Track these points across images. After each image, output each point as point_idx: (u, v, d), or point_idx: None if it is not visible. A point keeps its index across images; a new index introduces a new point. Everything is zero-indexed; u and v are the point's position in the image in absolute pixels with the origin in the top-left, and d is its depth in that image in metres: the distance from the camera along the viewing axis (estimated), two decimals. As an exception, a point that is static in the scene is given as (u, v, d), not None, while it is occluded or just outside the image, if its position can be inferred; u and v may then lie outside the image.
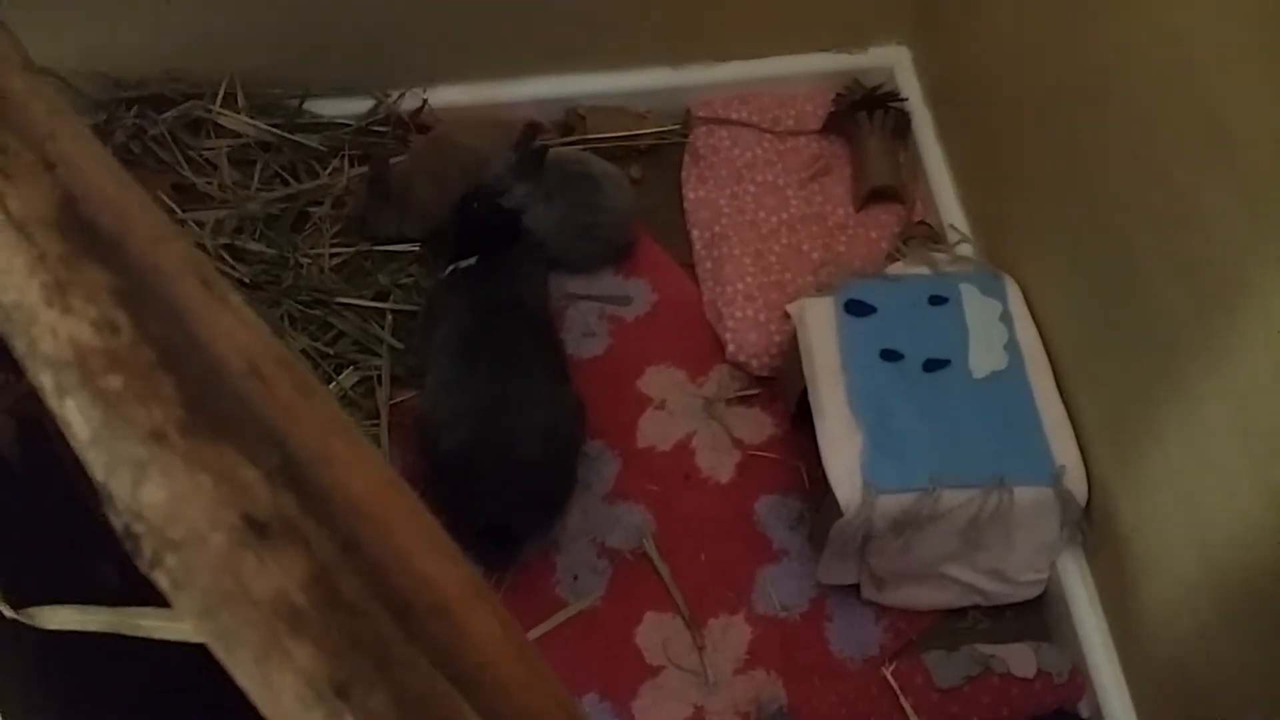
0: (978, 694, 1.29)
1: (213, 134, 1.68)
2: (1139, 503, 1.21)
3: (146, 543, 0.37)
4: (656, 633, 1.37)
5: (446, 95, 1.73)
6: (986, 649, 1.31)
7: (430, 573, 0.40)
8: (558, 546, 1.42)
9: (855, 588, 1.37)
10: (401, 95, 1.72)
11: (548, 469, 1.39)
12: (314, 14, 1.61)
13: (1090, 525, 1.30)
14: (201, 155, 1.67)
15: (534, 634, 1.35)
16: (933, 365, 1.34)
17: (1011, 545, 1.30)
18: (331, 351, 1.53)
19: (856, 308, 1.39)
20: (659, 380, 1.56)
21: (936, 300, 1.40)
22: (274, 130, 1.67)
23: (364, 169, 1.64)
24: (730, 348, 1.55)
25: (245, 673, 0.37)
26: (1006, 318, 1.38)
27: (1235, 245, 0.97)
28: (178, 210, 1.62)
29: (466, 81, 1.73)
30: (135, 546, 0.38)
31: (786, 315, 1.49)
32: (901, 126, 1.72)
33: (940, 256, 1.50)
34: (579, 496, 1.44)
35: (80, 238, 0.43)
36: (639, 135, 1.75)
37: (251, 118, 1.67)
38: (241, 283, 1.56)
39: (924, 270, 1.47)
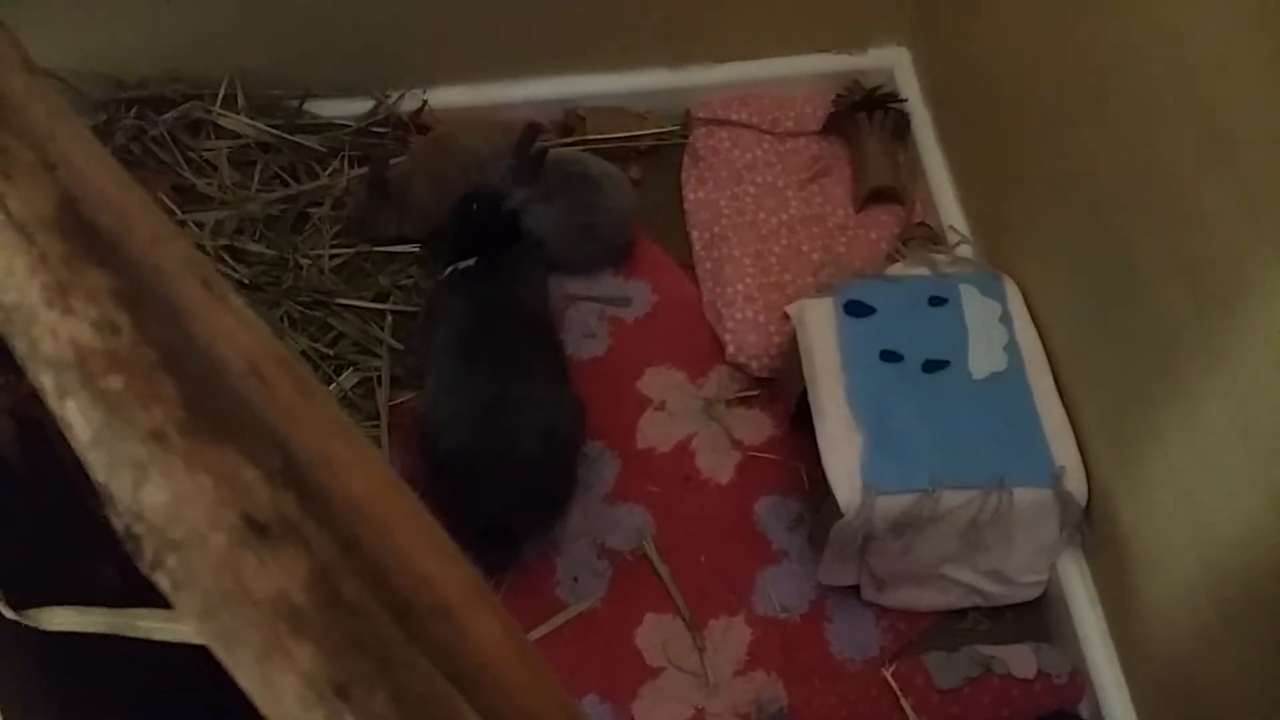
0: (978, 695, 1.29)
1: (213, 135, 1.68)
2: (1139, 503, 1.21)
3: (147, 543, 0.37)
4: (657, 634, 1.37)
5: (447, 96, 1.73)
6: (987, 650, 1.31)
7: (431, 573, 0.40)
8: (558, 548, 1.42)
9: (855, 589, 1.37)
10: (401, 96, 1.72)
11: (547, 470, 1.39)
12: (314, 15, 1.61)
13: (1090, 526, 1.30)
14: (201, 156, 1.67)
15: (534, 635, 1.35)
16: (932, 366, 1.34)
17: (1011, 546, 1.30)
18: (331, 353, 1.53)
19: (856, 309, 1.39)
20: (659, 381, 1.56)
21: (936, 301, 1.40)
22: (274, 131, 1.67)
23: (364, 170, 1.64)
24: (730, 349, 1.55)
25: (246, 673, 0.37)
26: (1006, 319, 1.38)
27: (1235, 245, 0.98)
28: (178, 211, 1.62)
29: (467, 82, 1.73)
30: (136, 547, 0.38)
31: (786, 316, 1.49)
32: (901, 127, 1.72)
33: (940, 258, 1.50)
34: (579, 498, 1.44)
35: (81, 239, 0.43)
36: (639, 136, 1.75)
37: (251, 118, 1.67)
38: (241, 284, 1.56)
39: (924, 271, 1.47)
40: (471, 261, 1.49)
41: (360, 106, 1.72)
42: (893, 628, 1.37)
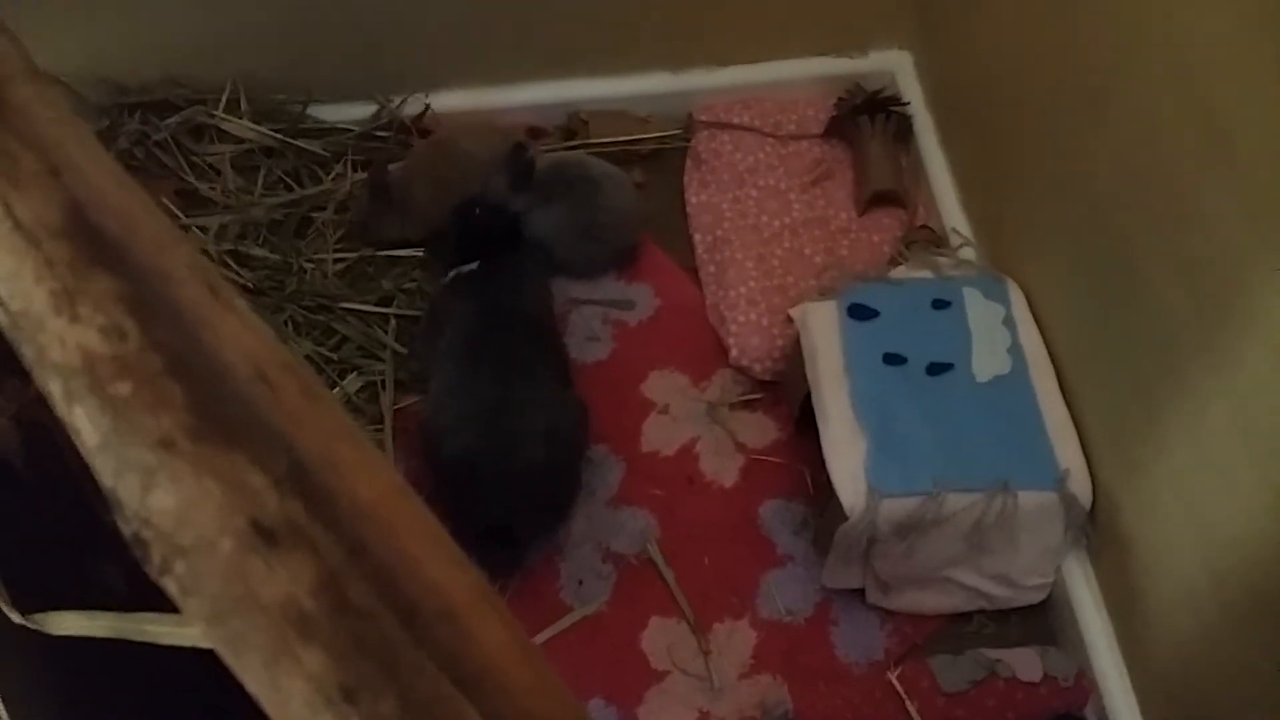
0: (983, 698, 1.28)
1: (216, 139, 1.68)
2: (1142, 505, 1.21)
3: (155, 549, 0.38)
4: (661, 637, 1.37)
5: (449, 100, 1.73)
6: (992, 653, 1.31)
7: (437, 578, 0.40)
8: (562, 552, 1.42)
9: (860, 592, 1.37)
10: (404, 100, 1.72)
11: (551, 473, 1.39)
12: (316, 19, 1.61)
13: (1094, 528, 1.30)
14: (205, 161, 1.67)
15: (539, 639, 1.35)
16: (936, 369, 1.34)
17: (1016, 549, 1.30)
18: (335, 357, 1.53)
19: (859, 312, 1.39)
20: (662, 385, 1.56)
21: (939, 304, 1.40)
22: (277, 135, 1.68)
23: (367, 174, 1.65)
24: (733, 352, 1.55)
25: (254, 678, 0.37)
26: (1009, 321, 1.38)
27: (1235, 246, 0.98)
28: (181, 216, 1.62)
29: (469, 86, 1.74)
30: (144, 553, 0.38)
31: (789, 319, 1.49)
32: (903, 130, 1.72)
33: (943, 260, 1.50)
34: (583, 501, 1.44)
35: (87, 244, 0.43)
36: (641, 140, 1.75)
37: (254, 123, 1.67)
38: (245, 288, 1.56)
39: (926, 274, 1.47)
40: (474, 265, 1.49)
41: (363, 111, 1.72)
42: (898, 631, 1.37)
